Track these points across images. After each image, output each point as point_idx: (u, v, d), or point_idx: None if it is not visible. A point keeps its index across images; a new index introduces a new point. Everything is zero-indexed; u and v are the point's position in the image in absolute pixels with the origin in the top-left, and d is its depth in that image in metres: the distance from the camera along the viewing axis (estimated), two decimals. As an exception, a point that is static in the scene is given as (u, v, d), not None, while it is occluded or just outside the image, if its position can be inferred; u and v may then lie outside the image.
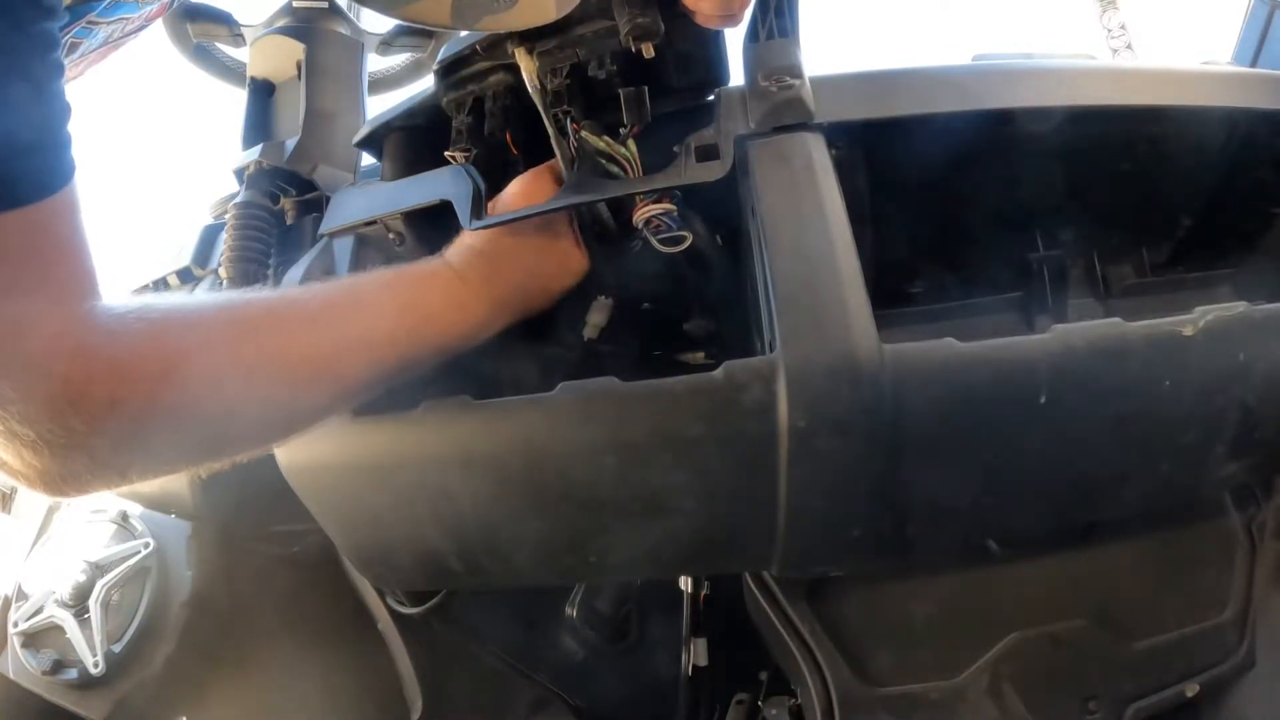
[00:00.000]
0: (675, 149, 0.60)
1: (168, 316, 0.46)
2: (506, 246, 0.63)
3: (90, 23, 0.48)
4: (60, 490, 0.43)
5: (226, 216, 0.96)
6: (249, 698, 0.97)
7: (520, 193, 0.64)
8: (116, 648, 0.89)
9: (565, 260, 0.66)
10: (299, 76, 1.12)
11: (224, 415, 0.47)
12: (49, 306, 0.39)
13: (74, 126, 0.41)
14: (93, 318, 0.41)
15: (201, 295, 0.56)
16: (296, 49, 1.12)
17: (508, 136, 0.68)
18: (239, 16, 1.17)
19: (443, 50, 0.66)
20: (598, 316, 0.69)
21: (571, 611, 1.09)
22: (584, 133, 0.60)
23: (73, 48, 0.47)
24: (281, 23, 1.13)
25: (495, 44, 0.62)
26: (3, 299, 0.38)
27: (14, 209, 0.38)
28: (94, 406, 0.40)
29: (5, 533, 1.12)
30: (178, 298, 0.49)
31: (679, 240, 0.62)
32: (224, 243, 0.94)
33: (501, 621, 1.08)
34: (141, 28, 0.54)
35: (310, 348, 0.52)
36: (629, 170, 0.60)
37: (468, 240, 0.64)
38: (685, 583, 0.95)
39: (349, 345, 0.54)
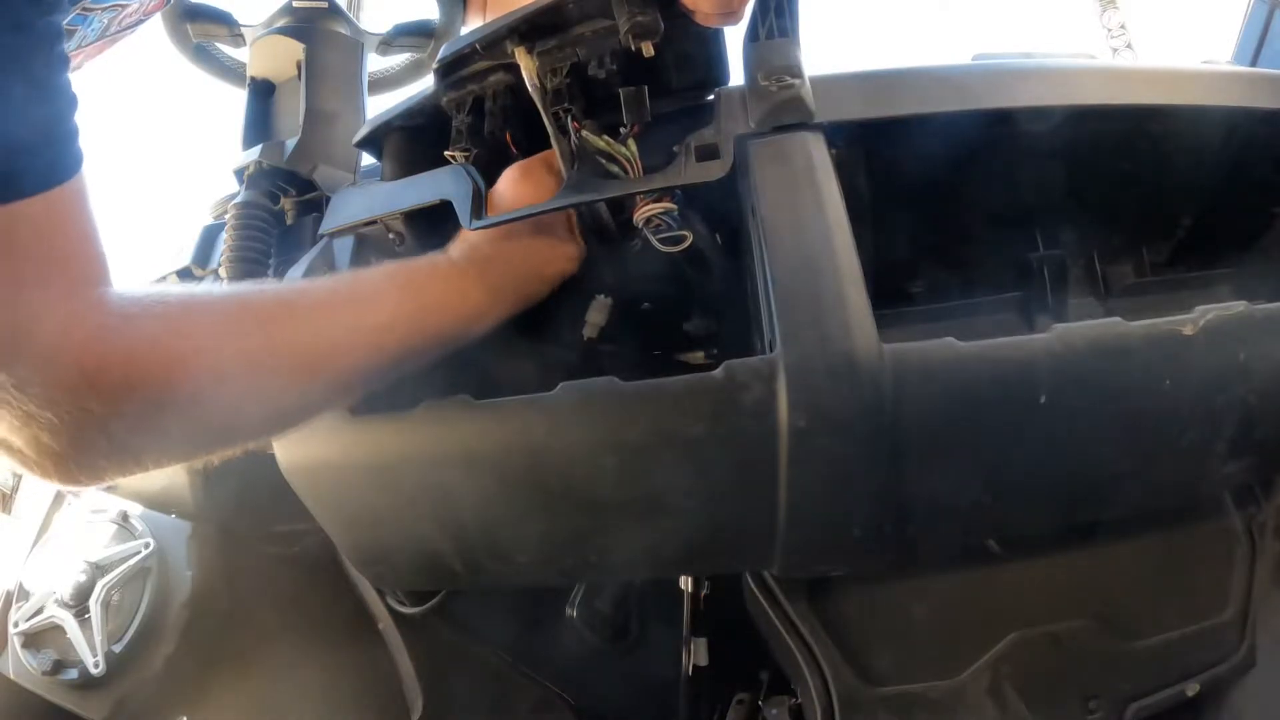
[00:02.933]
0: (675, 149, 0.60)
1: (182, 302, 0.47)
2: (502, 236, 0.64)
3: (85, 9, 0.48)
4: (74, 477, 0.44)
5: (226, 216, 0.96)
6: (249, 698, 0.97)
7: (514, 185, 0.65)
8: (117, 648, 0.89)
9: (561, 247, 0.67)
10: (299, 76, 1.12)
11: (236, 400, 0.48)
12: (63, 293, 0.40)
13: (81, 117, 0.42)
14: (107, 303, 0.42)
15: (212, 286, 0.58)
16: (296, 49, 1.12)
17: (507, 136, 0.68)
18: (239, 16, 1.17)
19: (442, 50, 0.66)
20: (597, 316, 0.69)
21: (572, 611, 1.09)
22: (584, 132, 0.60)
23: (68, 35, 0.47)
24: (281, 23, 1.13)
25: (495, 43, 0.62)
26: (17, 287, 0.39)
27: (24, 199, 0.38)
28: (111, 388, 0.41)
29: (5, 533, 1.12)
30: (190, 286, 0.50)
31: (679, 240, 0.62)
32: (224, 243, 0.94)
33: (502, 621, 1.08)
34: (139, 22, 0.54)
35: (316, 335, 0.53)
36: (629, 170, 0.60)
37: (465, 235, 0.64)
38: (685, 582, 0.95)
39: (352, 332, 0.55)
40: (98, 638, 0.89)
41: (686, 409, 0.55)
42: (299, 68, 1.12)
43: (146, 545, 0.94)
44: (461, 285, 0.62)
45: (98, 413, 0.41)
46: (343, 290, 0.58)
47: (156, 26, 1.16)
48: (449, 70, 0.67)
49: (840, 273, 0.54)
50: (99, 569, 0.92)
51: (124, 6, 0.51)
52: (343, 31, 1.14)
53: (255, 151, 1.02)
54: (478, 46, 0.63)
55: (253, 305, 0.51)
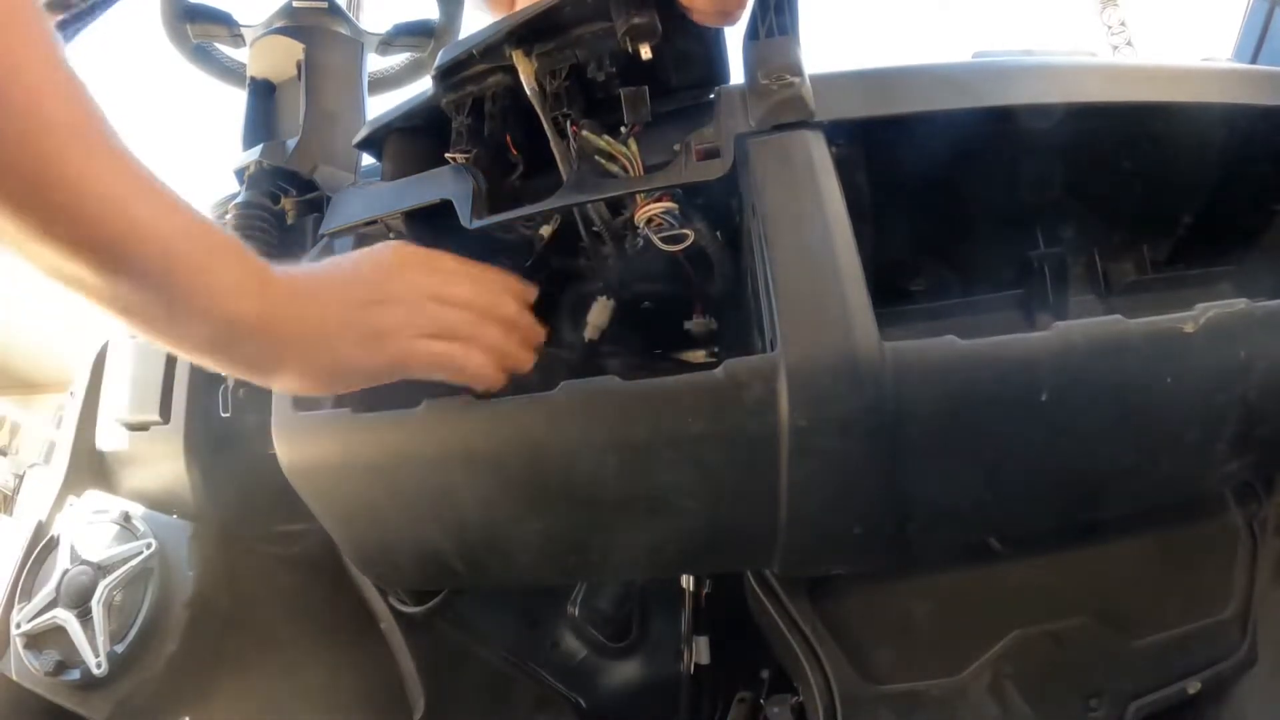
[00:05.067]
0: (675, 148, 0.60)
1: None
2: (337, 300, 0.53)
3: None
4: None
5: (227, 216, 0.96)
6: (251, 698, 0.97)
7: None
8: (119, 648, 0.89)
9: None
10: (299, 76, 1.12)
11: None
12: None
13: None
14: None
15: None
16: (296, 49, 1.12)
17: (507, 138, 0.68)
18: (239, 16, 1.17)
19: (440, 55, 0.66)
20: (598, 317, 0.70)
21: (573, 610, 1.09)
22: (584, 132, 0.60)
23: None
24: (281, 23, 1.13)
25: (494, 46, 0.62)
26: None
27: None
28: None
29: (5, 533, 1.12)
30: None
31: (680, 239, 0.62)
32: (224, 243, 0.94)
33: (504, 620, 1.08)
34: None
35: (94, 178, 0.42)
36: (630, 169, 0.60)
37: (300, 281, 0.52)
38: (687, 581, 0.96)
39: (129, 211, 0.44)
40: (100, 638, 0.89)
41: (687, 408, 0.55)
42: (299, 68, 1.12)
43: (148, 545, 0.94)
44: (250, 292, 0.48)
45: None
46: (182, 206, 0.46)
47: (155, 27, 1.16)
48: (448, 72, 0.67)
49: (841, 271, 0.55)
50: (101, 569, 0.92)
51: None
52: (343, 31, 1.14)
53: (256, 151, 1.02)
54: (475, 53, 0.63)
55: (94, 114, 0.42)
